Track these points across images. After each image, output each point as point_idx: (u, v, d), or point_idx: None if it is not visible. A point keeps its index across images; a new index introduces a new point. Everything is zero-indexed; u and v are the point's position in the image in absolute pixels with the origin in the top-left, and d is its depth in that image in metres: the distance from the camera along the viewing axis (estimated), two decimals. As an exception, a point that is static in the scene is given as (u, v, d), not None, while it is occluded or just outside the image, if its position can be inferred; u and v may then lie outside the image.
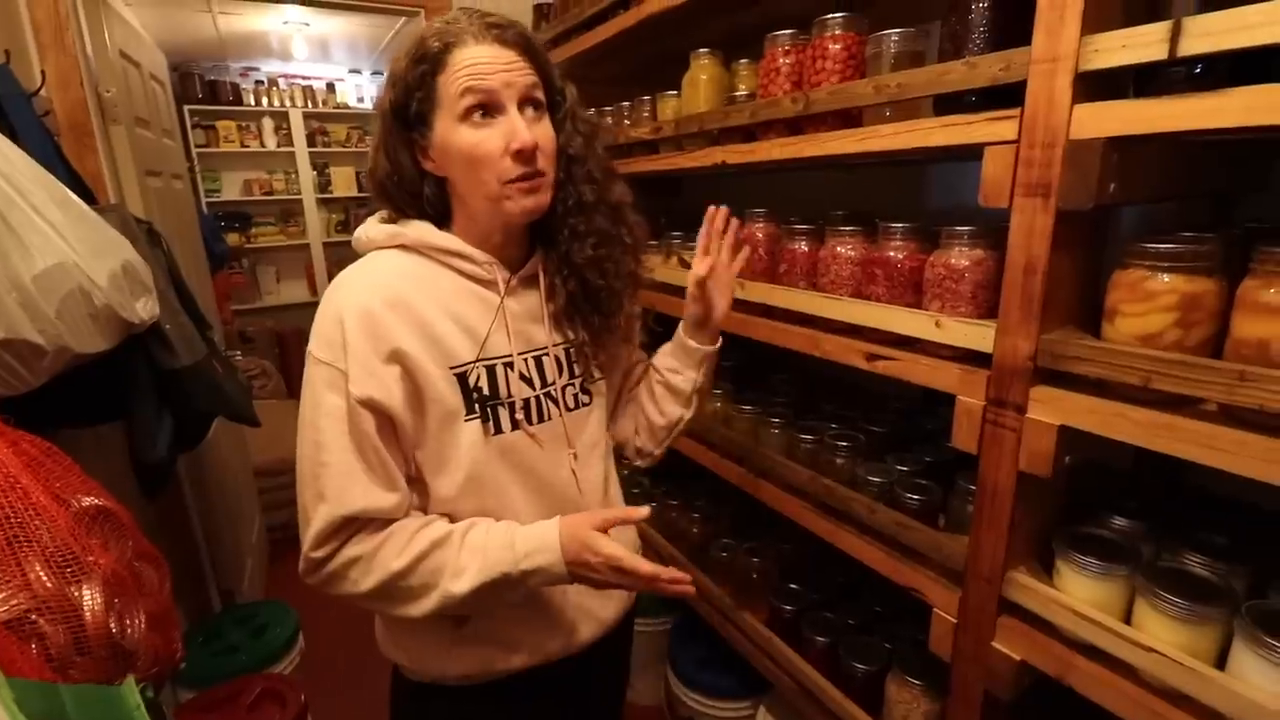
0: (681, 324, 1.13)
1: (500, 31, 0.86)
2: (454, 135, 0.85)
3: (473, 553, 0.88)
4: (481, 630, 0.96)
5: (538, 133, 0.87)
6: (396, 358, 0.86)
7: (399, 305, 0.87)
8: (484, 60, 0.84)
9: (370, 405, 0.85)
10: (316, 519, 0.85)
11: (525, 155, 0.85)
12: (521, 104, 0.86)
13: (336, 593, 0.89)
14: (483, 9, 0.89)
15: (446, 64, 0.84)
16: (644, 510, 0.94)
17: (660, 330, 1.99)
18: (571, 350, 1.01)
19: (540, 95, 0.89)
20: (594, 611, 1.05)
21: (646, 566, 0.87)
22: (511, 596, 0.91)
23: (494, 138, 0.85)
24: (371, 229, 0.96)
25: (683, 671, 1.90)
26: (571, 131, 0.94)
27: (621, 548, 0.88)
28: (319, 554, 0.86)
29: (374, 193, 0.96)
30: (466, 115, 0.84)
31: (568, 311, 0.99)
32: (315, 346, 0.87)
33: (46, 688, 0.59)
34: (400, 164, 0.91)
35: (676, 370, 1.13)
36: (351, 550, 0.86)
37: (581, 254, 0.96)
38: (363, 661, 2.32)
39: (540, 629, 1.00)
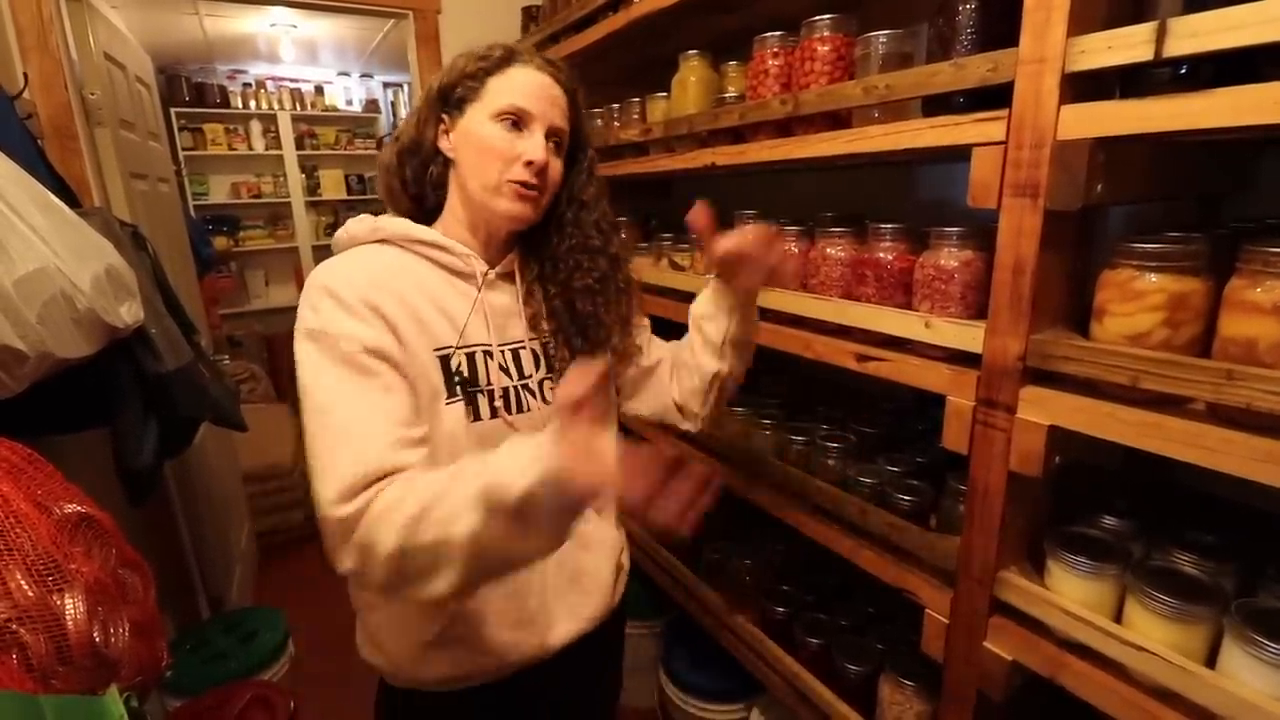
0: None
1: (556, 71, 0.97)
2: (480, 126, 0.93)
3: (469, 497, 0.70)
4: (455, 633, 0.95)
5: (550, 160, 0.95)
6: (390, 328, 0.87)
7: (384, 288, 0.88)
8: (537, 84, 0.94)
9: (379, 354, 0.84)
10: (343, 476, 0.76)
11: (535, 168, 0.93)
12: (548, 134, 0.94)
13: (367, 561, 0.75)
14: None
15: (504, 71, 0.94)
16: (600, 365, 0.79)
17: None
18: (549, 345, 1.03)
19: (565, 137, 0.98)
20: (573, 609, 1.04)
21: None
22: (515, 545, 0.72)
23: (513, 142, 0.92)
24: (353, 226, 0.98)
25: (675, 674, 1.89)
26: (586, 182, 1.04)
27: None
28: (349, 509, 0.75)
29: (393, 159, 1.02)
30: (500, 116, 0.92)
31: (554, 332, 1.03)
32: (308, 320, 0.84)
33: (27, 699, 0.58)
34: (424, 136, 0.99)
35: (709, 317, 1.07)
36: (380, 502, 0.75)
37: (582, 282, 1.02)
38: (353, 667, 2.29)
39: (512, 627, 0.98)
